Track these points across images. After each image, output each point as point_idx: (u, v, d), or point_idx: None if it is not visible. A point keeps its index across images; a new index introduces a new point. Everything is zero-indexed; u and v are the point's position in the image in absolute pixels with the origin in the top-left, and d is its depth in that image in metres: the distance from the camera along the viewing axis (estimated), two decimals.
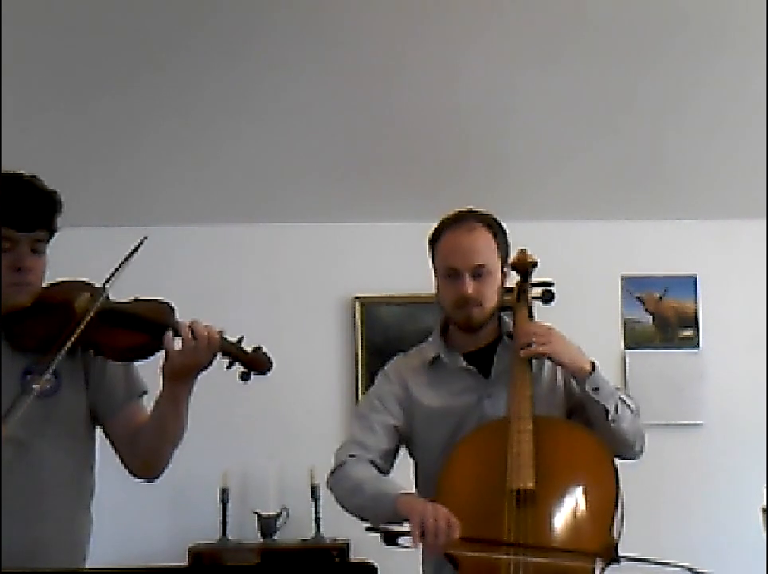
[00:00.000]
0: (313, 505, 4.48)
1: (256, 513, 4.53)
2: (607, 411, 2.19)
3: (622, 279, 4.92)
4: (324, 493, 4.43)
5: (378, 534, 2.02)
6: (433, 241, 2.36)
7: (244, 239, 4.86)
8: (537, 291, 2.45)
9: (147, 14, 3.57)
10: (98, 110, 4.04)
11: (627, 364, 4.81)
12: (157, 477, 2.10)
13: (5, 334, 1.98)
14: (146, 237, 1.98)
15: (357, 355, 4.81)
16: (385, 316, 4.82)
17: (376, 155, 4.42)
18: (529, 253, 2.45)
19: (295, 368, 4.68)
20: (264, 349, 2.04)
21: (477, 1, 3.62)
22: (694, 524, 4.56)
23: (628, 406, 2.25)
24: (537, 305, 2.47)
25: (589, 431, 2.21)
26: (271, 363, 2.02)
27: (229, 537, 4.48)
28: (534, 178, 4.59)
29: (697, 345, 4.89)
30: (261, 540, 4.51)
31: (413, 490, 2.30)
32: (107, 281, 2.00)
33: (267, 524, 4.51)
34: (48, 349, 1.94)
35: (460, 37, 3.77)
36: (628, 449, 2.26)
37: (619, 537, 2.10)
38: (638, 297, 4.93)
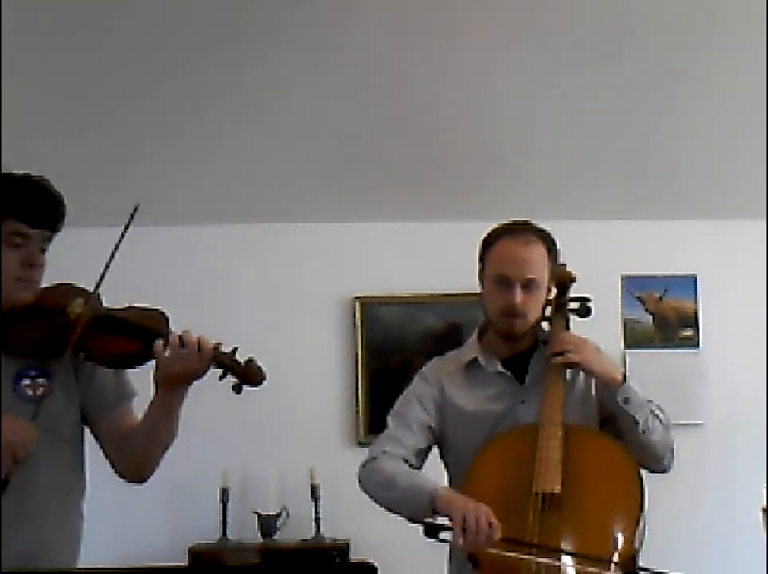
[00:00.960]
0: (313, 505, 4.48)
1: (256, 513, 4.54)
2: (637, 422, 2.21)
3: (622, 279, 4.92)
4: (324, 493, 4.49)
5: (421, 525, 2.03)
6: (487, 245, 2.36)
7: (244, 239, 4.86)
8: (574, 304, 2.47)
9: (149, 17, 3.58)
10: (98, 111, 4.04)
11: (627, 364, 4.80)
12: (145, 480, 2.11)
13: None
14: (138, 205, 1.97)
15: (357, 355, 4.80)
16: (386, 316, 4.82)
17: (376, 155, 4.42)
18: (568, 267, 2.47)
19: (295, 368, 4.69)
20: (258, 362, 2.03)
21: (476, 3, 3.62)
22: (694, 524, 4.56)
23: (660, 419, 2.27)
24: (573, 319, 2.48)
25: (617, 442, 2.23)
26: (263, 375, 2.01)
27: (229, 537, 4.48)
28: (534, 179, 4.59)
29: (697, 345, 4.89)
30: (261, 540, 4.52)
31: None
32: (100, 280, 2.00)
33: (267, 524, 4.51)
34: (40, 353, 1.95)
35: (459, 39, 3.77)
36: (656, 462, 2.28)
37: (640, 547, 2.11)
38: (638, 297, 4.93)
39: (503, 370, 2.35)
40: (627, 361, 4.82)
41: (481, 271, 2.37)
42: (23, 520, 1.92)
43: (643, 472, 2.20)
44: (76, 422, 2.07)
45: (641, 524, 2.11)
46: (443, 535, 2.02)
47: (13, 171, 2.02)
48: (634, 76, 3.99)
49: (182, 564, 4.04)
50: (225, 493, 4.50)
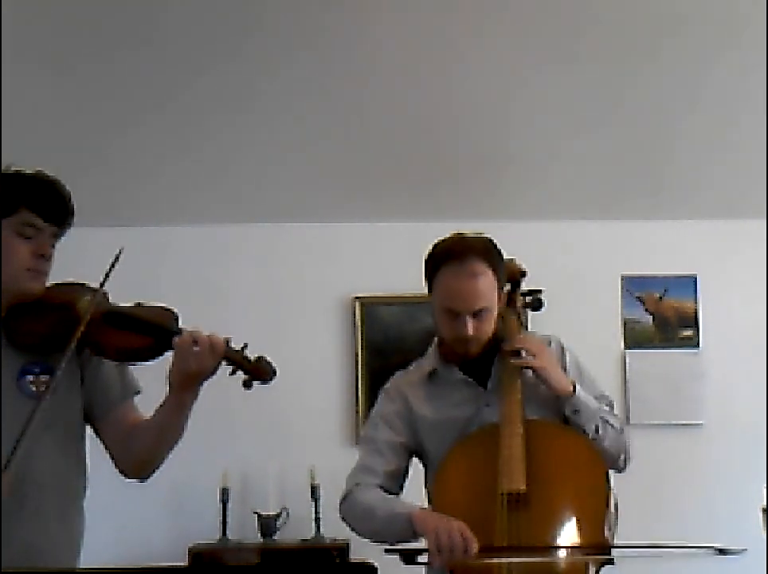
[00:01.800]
0: (313, 505, 4.48)
1: (256, 513, 4.53)
2: (586, 432, 2.22)
3: (622, 279, 4.91)
4: (324, 493, 4.48)
5: (397, 555, 2.02)
6: (431, 270, 2.31)
7: (244, 239, 4.86)
8: (526, 299, 2.47)
9: (149, 13, 3.57)
10: (99, 110, 4.04)
11: (627, 364, 4.81)
12: (148, 477, 2.11)
13: (4, 328, 1.98)
14: (122, 249, 2.01)
15: (357, 355, 4.80)
16: (386, 316, 4.82)
17: (376, 155, 4.42)
18: (517, 261, 2.45)
19: (295, 368, 4.67)
20: (268, 358, 2.04)
21: (479, 6, 3.62)
22: (693, 524, 4.56)
23: (611, 424, 2.27)
24: (527, 312, 2.49)
25: (579, 434, 2.23)
26: (274, 372, 2.02)
27: (229, 537, 4.48)
28: (533, 178, 4.59)
29: (697, 345, 4.89)
30: (261, 540, 4.51)
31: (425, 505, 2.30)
32: (99, 285, 2.02)
33: (267, 524, 4.51)
34: (46, 348, 1.96)
35: (459, 38, 3.77)
36: (611, 463, 2.28)
37: (613, 538, 2.12)
38: (638, 297, 4.93)
39: (463, 376, 2.34)
40: (627, 361, 4.82)
41: (429, 290, 2.32)
42: (24, 517, 1.92)
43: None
44: (79, 420, 2.07)
45: (610, 512, 2.11)
46: (420, 558, 2.02)
47: (24, 170, 2.04)
48: (635, 77, 3.99)
49: (182, 564, 4.04)
50: (225, 493, 4.49)
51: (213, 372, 1.97)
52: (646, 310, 4.92)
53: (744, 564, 4.41)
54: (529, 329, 2.64)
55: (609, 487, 2.12)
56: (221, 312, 4.69)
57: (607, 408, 2.32)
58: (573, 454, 2.18)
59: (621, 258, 4.90)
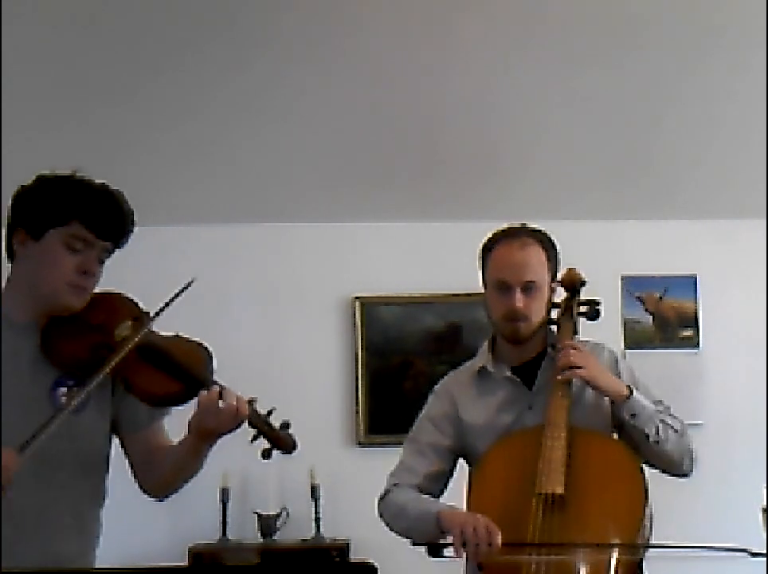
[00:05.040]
0: (313, 505, 4.48)
1: (256, 513, 4.54)
2: (647, 436, 2.21)
3: (622, 279, 4.92)
4: (324, 493, 4.48)
5: (423, 547, 2.03)
6: (486, 251, 2.37)
7: (244, 239, 4.87)
8: (583, 308, 2.46)
9: (149, 15, 3.57)
10: (99, 110, 4.04)
11: None
12: (165, 499, 2.14)
13: (41, 340, 1.93)
14: (194, 279, 2.02)
15: (357, 355, 4.80)
16: (385, 316, 4.82)
17: (376, 155, 4.42)
18: (578, 270, 2.47)
19: (295, 368, 4.69)
20: (291, 428, 2.09)
21: (479, 5, 3.62)
22: (693, 524, 4.56)
23: (671, 426, 2.26)
24: (582, 322, 2.47)
25: (622, 444, 2.23)
26: (295, 444, 2.06)
27: (229, 537, 4.48)
28: (533, 178, 4.59)
29: (697, 345, 4.89)
30: (261, 540, 4.52)
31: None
32: (155, 315, 1.98)
33: (267, 524, 4.51)
34: (78, 370, 1.90)
35: (460, 37, 3.77)
36: (675, 468, 2.30)
37: (645, 552, 2.11)
38: (638, 297, 4.93)
39: (511, 375, 2.35)
40: None
41: (483, 277, 2.38)
42: (41, 532, 1.89)
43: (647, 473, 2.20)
44: (105, 436, 2.04)
45: (645, 528, 2.11)
46: (446, 552, 2.02)
47: (92, 179, 1.99)
48: (634, 76, 3.99)
49: (182, 564, 4.04)
50: (225, 493, 4.50)
51: (235, 429, 1.95)
52: (646, 310, 4.92)
53: (744, 563, 4.41)
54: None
55: (647, 502, 2.12)
56: (221, 312, 4.70)
57: (665, 412, 2.30)
58: (614, 465, 2.17)
59: (621, 258, 4.90)
